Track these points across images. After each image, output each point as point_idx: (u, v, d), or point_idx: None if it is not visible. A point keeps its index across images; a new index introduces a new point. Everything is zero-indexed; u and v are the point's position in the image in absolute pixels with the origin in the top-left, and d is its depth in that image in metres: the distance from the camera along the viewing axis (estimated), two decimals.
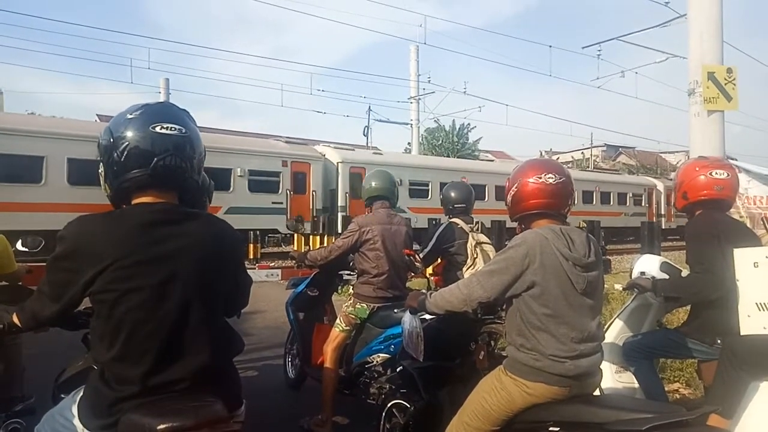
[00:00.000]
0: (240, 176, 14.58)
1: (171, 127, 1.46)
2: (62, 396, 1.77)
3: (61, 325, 1.75)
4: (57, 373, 2.09)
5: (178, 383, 1.39)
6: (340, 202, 16.48)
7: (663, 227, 25.39)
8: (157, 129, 1.45)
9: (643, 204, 26.65)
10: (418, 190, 18.01)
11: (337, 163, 16.74)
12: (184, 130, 1.49)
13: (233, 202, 14.06)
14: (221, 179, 13.40)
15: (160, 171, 1.45)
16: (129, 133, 1.44)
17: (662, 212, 27.15)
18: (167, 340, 1.39)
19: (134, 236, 1.38)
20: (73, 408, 1.48)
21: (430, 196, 17.77)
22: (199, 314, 1.44)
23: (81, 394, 1.50)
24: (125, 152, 1.44)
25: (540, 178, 1.98)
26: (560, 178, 1.99)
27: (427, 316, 2.47)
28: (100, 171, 1.53)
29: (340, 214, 15.83)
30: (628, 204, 25.83)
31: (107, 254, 1.34)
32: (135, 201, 1.49)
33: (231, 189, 14.41)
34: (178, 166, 1.48)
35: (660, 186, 27.62)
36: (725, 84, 6.36)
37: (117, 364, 1.37)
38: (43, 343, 3.21)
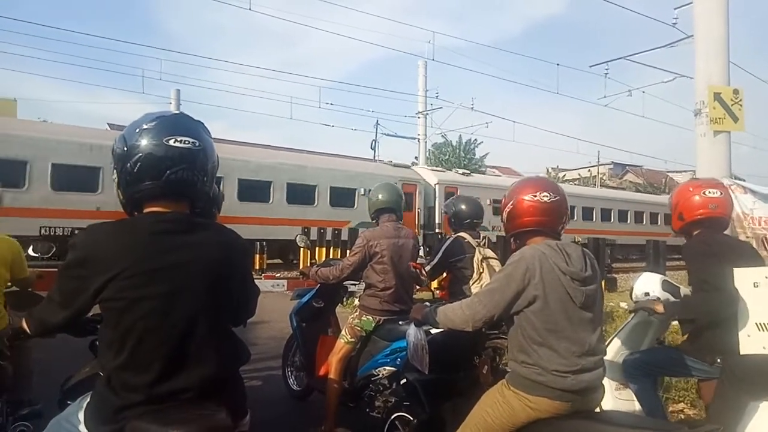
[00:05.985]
0: (362, 195, 17.27)
1: (185, 140, 1.47)
2: (68, 402, 1.78)
3: (68, 331, 1.77)
4: (63, 380, 2.11)
5: (183, 392, 1.40)
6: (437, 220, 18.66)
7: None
8: (171, 142, 1.46)
9: None
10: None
11: (435, 184, 19.18)
12: (197, 143, 1.50)
13: (359, 217, 16.53)
14: (348, 198, 17.19)
15: (172, 183, 1.47)
16: (143, 144, 1.46)
17: None
18: (175, 349, 1.40)
19: (145, 245, 1.40)
20: (79, 414, 1.49)
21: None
22: (207, 324, 1.45)
23: (87, 400, 1.51)
24: (138, 163, 1.45)
25: (535, 196, 2.01)
26: (555, 197, 2.02)
27: (433, 330, 2.48)
28: (113, 178, 1.54)
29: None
30: None
31: (118, 262, 1.36)
32: (147, 209, 1.51)
33: (355, 206, 17.28)
34: (190, 179, 1.49)
35: None
36: (732, 105, 6.37)
37: (124, 371, 1.38)
38: (50, 349, 3.23)
